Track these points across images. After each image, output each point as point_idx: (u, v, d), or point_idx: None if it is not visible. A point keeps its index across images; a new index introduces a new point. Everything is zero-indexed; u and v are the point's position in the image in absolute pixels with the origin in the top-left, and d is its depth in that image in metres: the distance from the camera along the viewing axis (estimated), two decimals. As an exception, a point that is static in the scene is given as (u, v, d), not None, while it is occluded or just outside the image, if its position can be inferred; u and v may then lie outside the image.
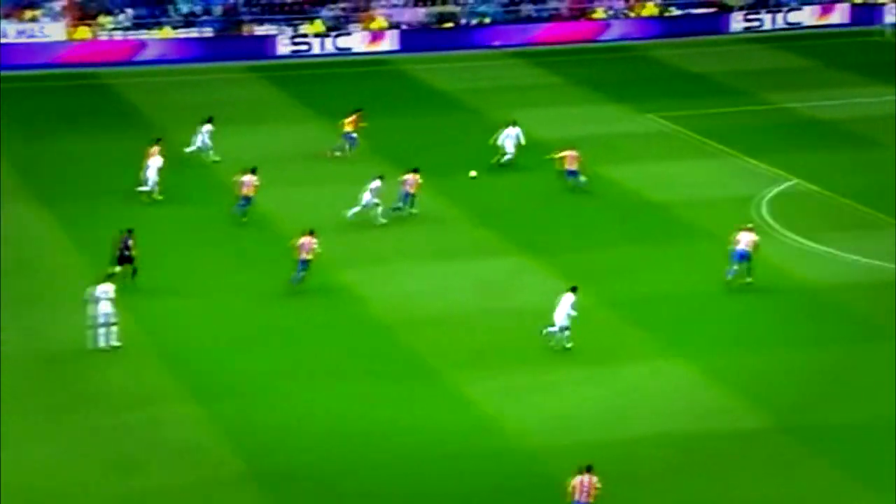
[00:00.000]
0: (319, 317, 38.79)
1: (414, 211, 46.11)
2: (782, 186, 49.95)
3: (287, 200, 47.40)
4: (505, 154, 51.23)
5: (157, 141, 48.73)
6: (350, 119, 52.56)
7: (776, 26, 76.14)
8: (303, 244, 39.76)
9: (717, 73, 66.98)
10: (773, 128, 57.95)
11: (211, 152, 51.55)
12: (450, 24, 74.08)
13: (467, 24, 74.24)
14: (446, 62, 69.55)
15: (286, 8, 73.26)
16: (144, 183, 47.43)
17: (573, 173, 49.02)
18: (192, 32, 71.08)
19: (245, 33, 71.58)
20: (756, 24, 76.04)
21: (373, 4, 74.41)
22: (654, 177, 50.96)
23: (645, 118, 59.27)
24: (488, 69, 68.45)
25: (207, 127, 51.79)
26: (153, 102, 61.51)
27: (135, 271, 40.11)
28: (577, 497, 27.94)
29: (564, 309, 35.98)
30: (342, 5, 74.17)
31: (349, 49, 71.59)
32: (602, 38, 74.13)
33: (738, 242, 40.58)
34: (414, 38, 72.51)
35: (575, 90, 63.97)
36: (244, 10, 72.84)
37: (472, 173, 49.71)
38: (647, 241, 44.71)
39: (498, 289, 40.76)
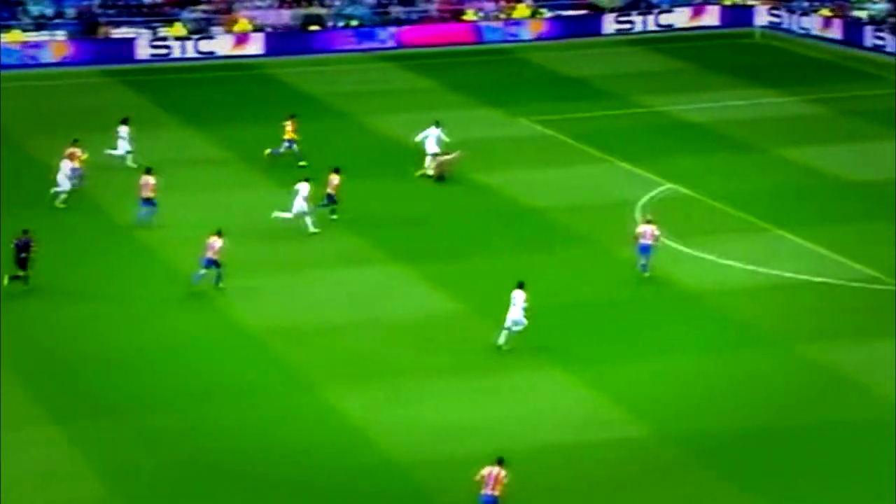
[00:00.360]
0: (189, 329, 38.00)
1: (334, 217, 45.35)
2: (658, 191, 49.70)
3: (162, 206, 45.75)
4: (426, 155, 50.76)
5: (75, 142, 47.77)
6: (290, 126, 51.38)
7: (648, 28, 76.01)
8: (210, 244, 39.57)
9: (591, 77, 66.83)
10: (648, 131, 57.84)
11: (129, 156, 50.44)
12: (317, 27, 72.76)
13: (335, 26, 73.00)
14: (314, 65, 68.62)
15: (145, 10, 71.24)
16: (57, 185, 46.67)
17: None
18: (45, 35, 68.72)
19: (102, 36, 69.45)
20: (629, 26, 75.82)
21: (237, 6, 72.77)
22: (530, 182, 50.60)
23: (519, 122, 58.84)
24: (358, 72, 67.76)
25: (124, 129, 50.67)
26: (4, 109, 59.08)
27: (17, 278, 39.26)
28: (484, 490, 27.81)
29: (520, 305, 35.95)
30: (204, 7, 72.33)
31: (213, 52, 69.92)
32: (474, 40, 73.31)
33: (642, 236, 41.02)
34: (280, 41, 71.19)
35: (448, 94, 63.38)
36: (101, 11, 70.58)
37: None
38: (525, 248, 44.24)
39: (371, 299, 40.11)
